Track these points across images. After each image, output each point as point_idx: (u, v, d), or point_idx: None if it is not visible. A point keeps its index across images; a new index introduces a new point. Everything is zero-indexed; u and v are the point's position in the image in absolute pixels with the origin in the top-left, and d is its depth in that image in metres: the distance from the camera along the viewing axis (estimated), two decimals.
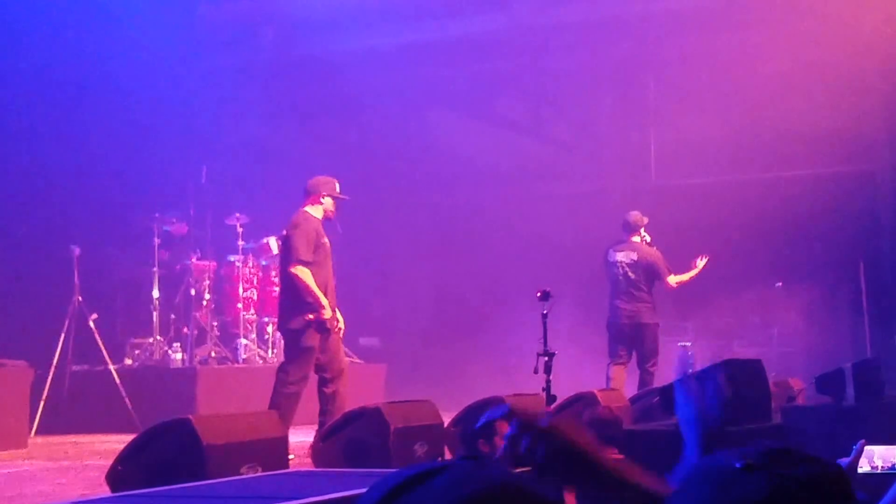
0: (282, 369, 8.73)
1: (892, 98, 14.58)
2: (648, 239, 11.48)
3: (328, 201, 8.90)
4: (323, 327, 8.57)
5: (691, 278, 11.47)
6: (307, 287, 8.54)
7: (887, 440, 3.07)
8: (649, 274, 11.23)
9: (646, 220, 11.48)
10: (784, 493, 1.50)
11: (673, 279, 11.32)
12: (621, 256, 11.28)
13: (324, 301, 8.56)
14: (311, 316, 8.57)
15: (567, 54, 15.11)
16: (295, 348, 8.72)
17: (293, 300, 8.73)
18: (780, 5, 13.22)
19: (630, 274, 11.17)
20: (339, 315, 8.82)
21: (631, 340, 11.20)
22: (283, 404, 8.30)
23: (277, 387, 8.55)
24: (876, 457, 3.69)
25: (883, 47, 13.70)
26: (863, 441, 3.01)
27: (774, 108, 14.46)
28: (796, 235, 14.60)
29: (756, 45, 13.74)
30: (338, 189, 9.04)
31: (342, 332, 8.90)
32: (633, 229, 11.39)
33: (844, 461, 2.94)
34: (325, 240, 8.85)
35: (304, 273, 8.55)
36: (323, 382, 8.69)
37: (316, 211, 8.90)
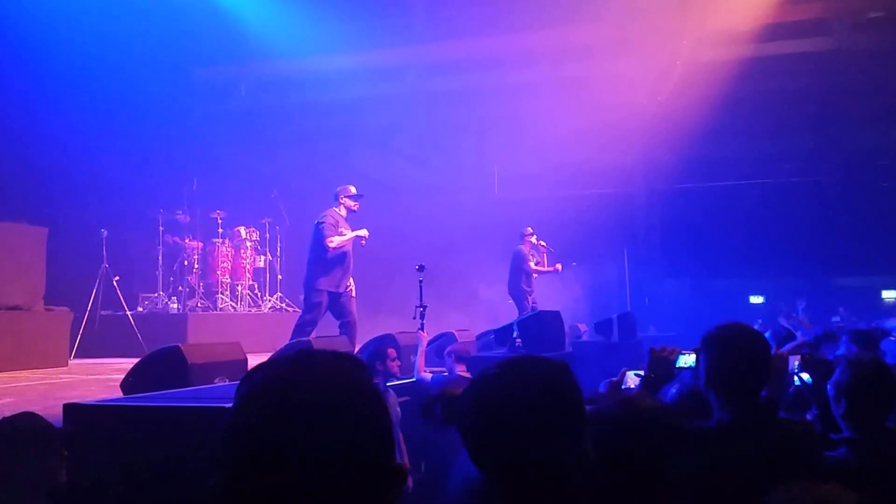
0: (302, 313, 8.39)
1: (645, 144, 15.10)
2: (534, 240, 11.22)
3: (346, 201, 8.31)
4: (334, 293, 8.15)
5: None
6: (342, 244, 8.09)
7: (638, 365, 3.13)
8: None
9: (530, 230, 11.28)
10: (520, 386, 1.43)
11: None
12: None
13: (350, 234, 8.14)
14: (323, 285, 8.10)
15: (442, 112, 15.18)
16: (307, 301, 8.32)
17: (312, 270, 8.20)
18: (571, 84, 13.48)
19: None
20: (352, 284, 8.34)
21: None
22: (296, 332, 8.06)
23: (297, 322, 8.26)
24: (630, 379, 3.76)
25: (639, 110, 14.16)
26: (625, 368, 3.05)
27: (574, 149, 14.77)
28: (587, 232, 14.93)
29: (561, 108, 13.96)
30: (353, 190, 8.37)
31: (353, 292, 8.38)
32: (521, 236, 11.25)
33: (613, 379, 3.00)
34: (342, 229, 8.24)
35: (334, 242, 8.05)
36: (340, 326, 8.36)
37: (339, 209, 8.31)
